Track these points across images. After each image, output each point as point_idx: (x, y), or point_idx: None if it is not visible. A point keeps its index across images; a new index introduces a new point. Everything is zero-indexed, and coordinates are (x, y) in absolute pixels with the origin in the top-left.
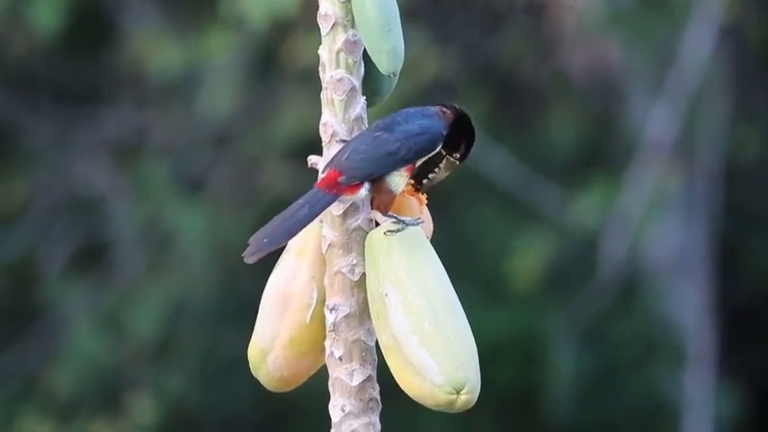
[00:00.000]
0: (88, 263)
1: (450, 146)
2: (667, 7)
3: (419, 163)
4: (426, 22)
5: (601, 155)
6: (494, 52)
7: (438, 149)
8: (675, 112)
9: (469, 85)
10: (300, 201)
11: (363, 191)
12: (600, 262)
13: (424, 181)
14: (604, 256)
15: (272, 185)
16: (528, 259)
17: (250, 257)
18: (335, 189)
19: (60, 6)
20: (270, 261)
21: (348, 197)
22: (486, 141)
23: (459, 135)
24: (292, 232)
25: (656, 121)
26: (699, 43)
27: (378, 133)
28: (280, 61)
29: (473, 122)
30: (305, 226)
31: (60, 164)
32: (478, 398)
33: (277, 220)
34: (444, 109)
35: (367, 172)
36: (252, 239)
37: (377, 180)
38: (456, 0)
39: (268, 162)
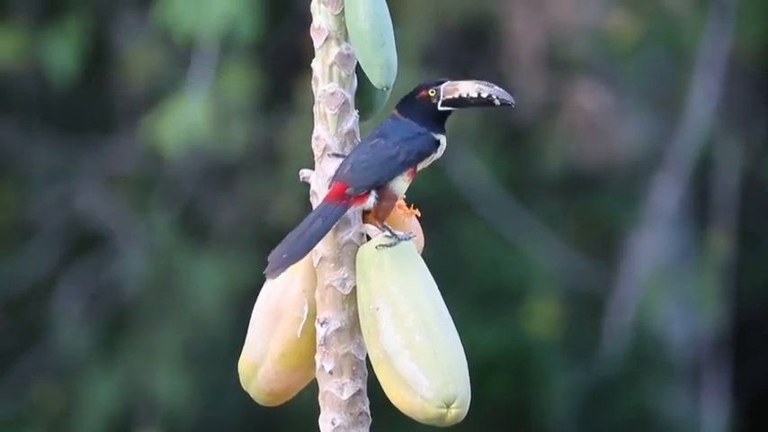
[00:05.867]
0: (94, 297)
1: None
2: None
3: (420, 167)
4: (442, 67)
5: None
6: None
7: (436, 152)
8: (680, 180)
9: (478, 134)
10: (312, 215)
11: (372, 198)
12: (606, 330)
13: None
14: (610, 325)
15: (284, 223)
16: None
17: (272, 274)
18: (345, 200)
19: (76, 48)
20: None
21: (358, 206)
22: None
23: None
24: (310, 245)
25: (659, 190)
26: (704, 95)
27: (374, 141)
28: (292, 100)
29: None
30: (321, 238)
31: (65, 195)
32: (469, 412)
33: (292, 236)
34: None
35: (373, 180)
36: (270, 257)
37: (382, 187)
38: (468, 47)
39: (279, 200)
